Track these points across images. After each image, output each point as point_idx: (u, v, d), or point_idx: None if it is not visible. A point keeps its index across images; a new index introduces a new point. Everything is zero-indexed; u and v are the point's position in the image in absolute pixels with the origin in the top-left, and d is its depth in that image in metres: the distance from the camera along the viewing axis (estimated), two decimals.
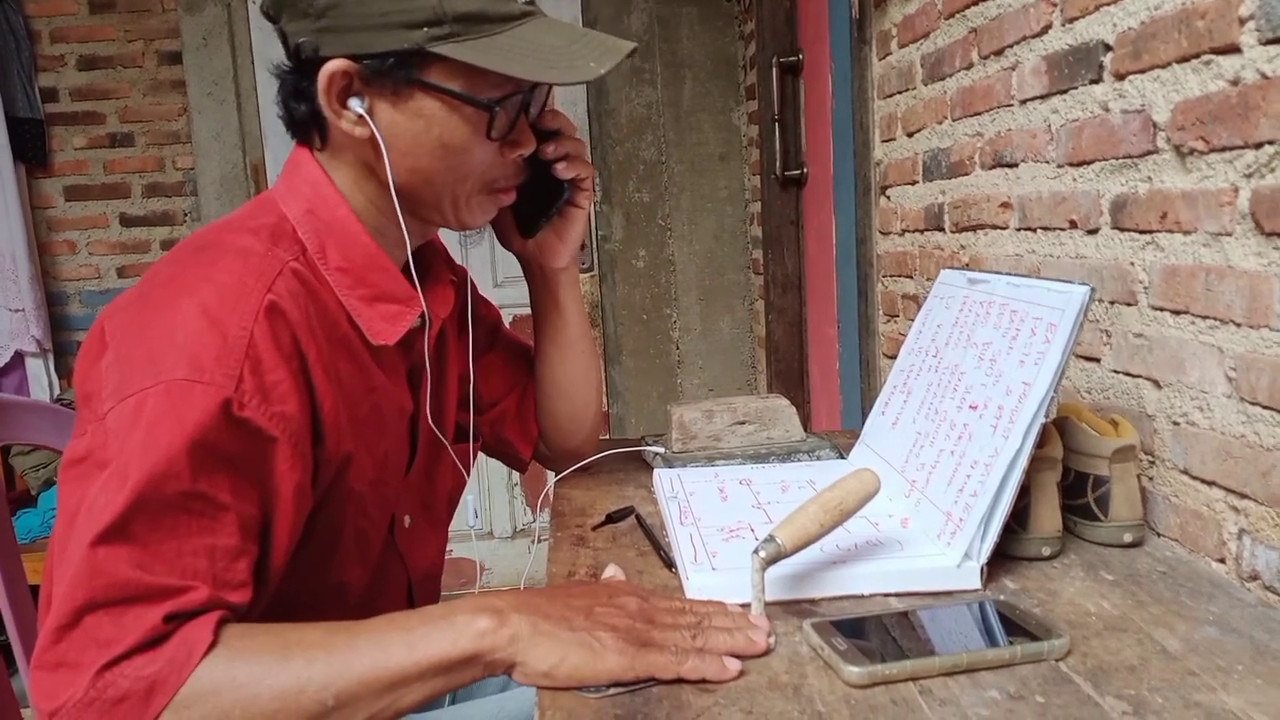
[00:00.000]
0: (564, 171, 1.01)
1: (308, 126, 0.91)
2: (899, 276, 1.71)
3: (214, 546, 0.73)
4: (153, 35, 3.05)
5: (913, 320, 1.64)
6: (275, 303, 0.80)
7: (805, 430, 1.28)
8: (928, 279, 1.56)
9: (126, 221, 3.13)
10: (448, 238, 1.10)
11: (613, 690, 0.68)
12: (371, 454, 0.92)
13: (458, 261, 1.14)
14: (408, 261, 0.95)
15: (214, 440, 0.73)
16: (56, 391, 3.05)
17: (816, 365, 2.56)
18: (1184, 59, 0.89)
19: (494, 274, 3.11)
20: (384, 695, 0.69)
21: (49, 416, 1.23)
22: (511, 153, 0.93)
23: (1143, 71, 0.95)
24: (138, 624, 0.68)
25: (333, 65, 0.84)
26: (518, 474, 1.22)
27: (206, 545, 0.72)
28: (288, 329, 0.81)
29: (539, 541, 3.17)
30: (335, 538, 0.91)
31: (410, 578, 1.04)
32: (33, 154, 3.00)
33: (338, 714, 0.68)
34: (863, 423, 2.00)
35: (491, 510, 3.25)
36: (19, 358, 3.01)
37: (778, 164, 2.52)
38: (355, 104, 0.86)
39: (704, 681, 0.68)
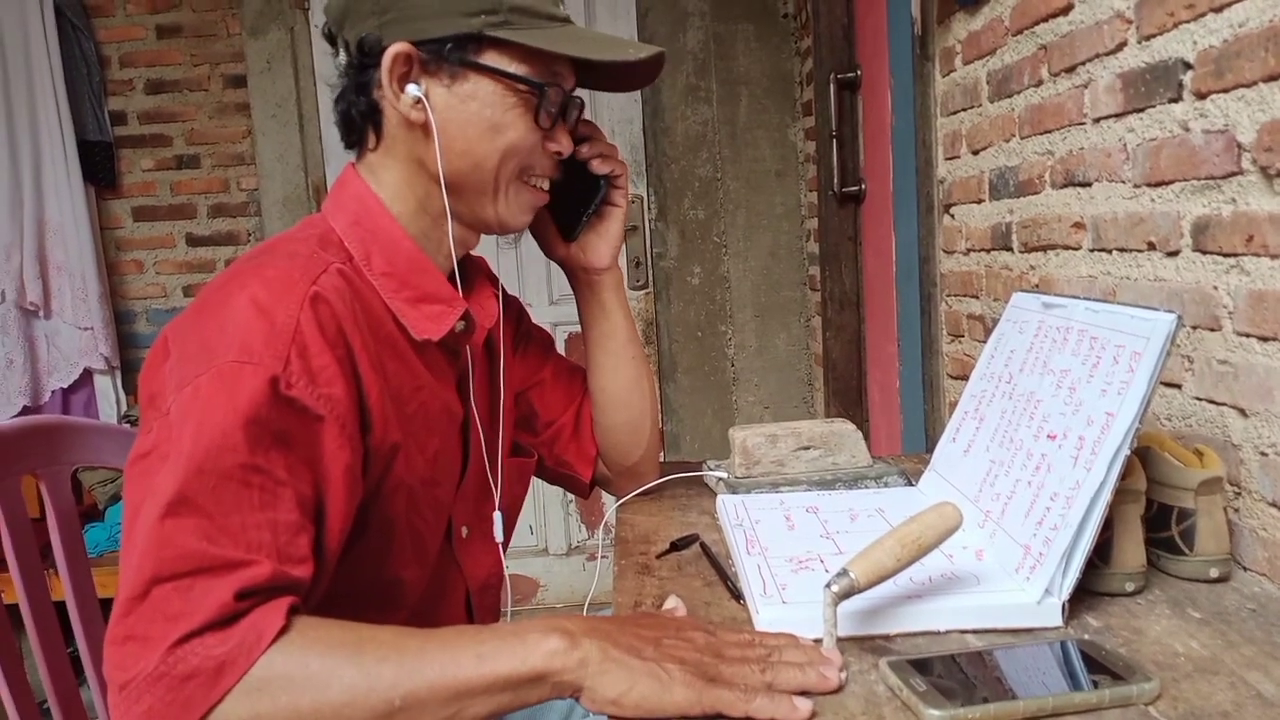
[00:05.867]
0: (599, 167, 1.08)
1: (364, 126, 0.97)
2: (964, 296, 1.68)
3: (275, 520, 0.75)
4: (218, 60, 3.11)
5: (979, 341, 1.61)
6: (320, 293, 0.84)
7: (870, 455, 1.25)
8: (994, 299, 1.53)
9: (193, 241, 3.19)
10: (502, 269, 1.12)
11: None
12: (421, 451, 0.94)
13: (513, 279, 1.17)
14: (453, 270, 1.00)
15: (265, 417, 0.76)
16: (124, 408, 3.11)
17: (876, 384, 2.52)
18: (1272, 78, 0.85)
19: (550, 292, 3.11)
20: (450, 704, 0.70)
21: (120, 439, 1.25)
22: (551, 146, 1.00)
23: (1226, 90, 0.92)
24: (205, 599, 0.69)
25: (395, 47, 0.91)
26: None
27: (269, 519, 0.75)
28: (333, 318, 0.84)
29: (596, 560, 3.17)
30: (389, 531, 0.92)
31: (468, 587, 1.06)
32: (102, 176, 3.08)
33: (402, 716, 0.69)
34: (926, 444, 1.98)
35: (547, 527, 3.25)
36: (87, 375, 3.08)
37: (835, 180, 2.49)
38: (412, 88, 0.93)
39: None
